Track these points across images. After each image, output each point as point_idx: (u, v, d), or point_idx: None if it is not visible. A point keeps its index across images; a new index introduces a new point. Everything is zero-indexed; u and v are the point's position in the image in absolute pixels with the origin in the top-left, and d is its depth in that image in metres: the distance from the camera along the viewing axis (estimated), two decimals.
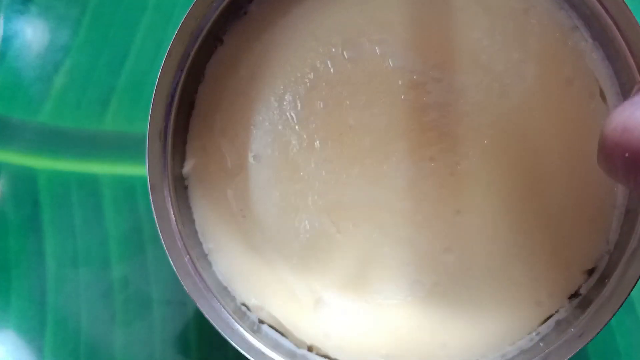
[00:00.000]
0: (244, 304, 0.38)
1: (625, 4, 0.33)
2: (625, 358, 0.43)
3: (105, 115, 0.48)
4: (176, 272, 0.35)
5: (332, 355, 0.37)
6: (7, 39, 0.49)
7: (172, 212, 0.36)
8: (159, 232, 0.35)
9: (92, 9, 0.49)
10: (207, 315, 0.35)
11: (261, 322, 0.38)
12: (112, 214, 0.45)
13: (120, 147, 0.47)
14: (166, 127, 0.37)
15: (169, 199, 0.36)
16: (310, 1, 0.39)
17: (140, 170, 0.46)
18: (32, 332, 0.43)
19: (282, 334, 0.38)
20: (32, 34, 0.49)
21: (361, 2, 0.39)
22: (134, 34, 0.49)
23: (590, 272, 0.37)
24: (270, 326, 0.38)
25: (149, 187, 0.36)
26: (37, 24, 0.49)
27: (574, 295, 0.37)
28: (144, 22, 0.49)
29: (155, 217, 0.35)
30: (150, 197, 0.35)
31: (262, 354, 0.35)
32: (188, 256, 0.36)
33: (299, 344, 0.38)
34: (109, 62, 0.48)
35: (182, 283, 0.35)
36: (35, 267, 0.44)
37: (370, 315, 0.37)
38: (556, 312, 0.37)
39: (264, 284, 0.38)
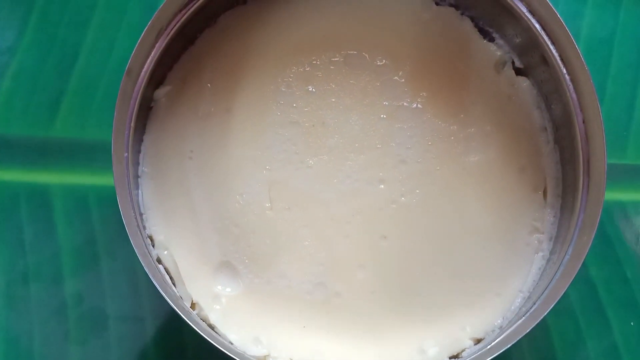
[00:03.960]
0: (150, 237, 0.38)
1: (601, 122, 0.35)
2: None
3: (54, 120, 0.45)
4: (114, 180, 0.35)
5: (211, 320, 0.37)
6: None
7: (129, 128, 0.36)
8: (112, 142, 0.35)
9: (39, 8, 0.46)
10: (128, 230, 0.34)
11: (159, 261, 0.38)
12: (64, 226, 0.43)
13: (72, 154, 0.45)
14: (156, 48, 0.37)
15: (131, 114, 0.36)
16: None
17: (94, 179, 0.44)
18: None
19: (173, 281, 0.38)
20: None
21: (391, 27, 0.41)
22: (84, 34, 0.46)
23: (478, 341, 0.37)
24: (166, 269, 0.38)
25: (117, 98, 0.35)
26: None
27: (455, 357, 0.37)
28: (94, 21, 0.46)
29: (113, 126, 0.35)
30: (115, 110, 0.35)
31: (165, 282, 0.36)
32: (127, 177, 0.36)
33: (184, 296, 0.37)
34: (57, 64, 0.46)
35: (120, 205, 0.35)
36: None
37: (266, 297, 0.38)
38: None
39: (180, 226, 0.39)
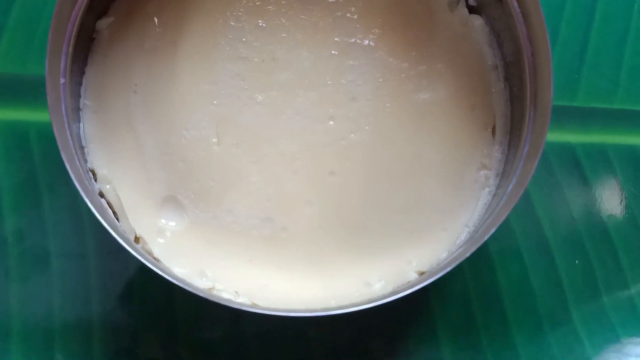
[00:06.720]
0: (92, 170, 0.38)
1: (550, 53, 0.35)
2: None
3: None
4: (49, 106, 0.33)
5: (155, 254, 0.37)
6: None
7: (66, 54, 0.35)
8: (46, 65, 0.33)
9: None
10: (68, 168, 0.33)
11: (101, 195, 0.37)
12: (4, 163, 0.42)
13: (12, 90, 0.43)
14: None
15: (69, 39, 0.35)
16: None
17: (35, 115, 0.43)
18: None
19: (116, 216, 0.37)
20: None
21: None
22: None
23: (422, 274, 0.38)
24: (108, 203, 0.37)
25: (52, 19, 0.33)
26: None
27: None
28: None
29: (47, 49, 0.33)
30: (50, 31, 0.33)
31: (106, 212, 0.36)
32: (64, 104, 0.35)
33: (128, 230, 0.37)
34: None
35: (55, 132, 0.33)
36: None
37: (212, 232, 0.38)
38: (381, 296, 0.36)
39: (124, 160, 0.38)
